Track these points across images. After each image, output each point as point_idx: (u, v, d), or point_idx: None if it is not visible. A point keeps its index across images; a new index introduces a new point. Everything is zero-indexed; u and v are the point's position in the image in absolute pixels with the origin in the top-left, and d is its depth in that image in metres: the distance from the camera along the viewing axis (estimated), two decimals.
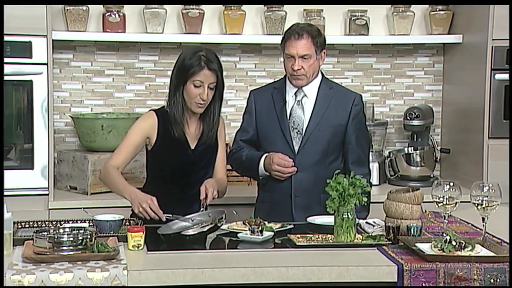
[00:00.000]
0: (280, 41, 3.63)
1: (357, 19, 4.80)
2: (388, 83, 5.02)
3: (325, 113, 3.61)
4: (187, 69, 3.39)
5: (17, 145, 4.19)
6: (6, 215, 2.89)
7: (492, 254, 2.87)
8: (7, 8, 3.92)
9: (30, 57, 4.08)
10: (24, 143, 4.16)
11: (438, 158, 4.88)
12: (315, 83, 3.64)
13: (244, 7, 4.68)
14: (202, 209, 3.36)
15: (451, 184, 3.04)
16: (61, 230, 2.87)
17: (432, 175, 4.85)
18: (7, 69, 4.01)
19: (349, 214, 3.04)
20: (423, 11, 4.93)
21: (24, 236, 3.04)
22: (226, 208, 3.37)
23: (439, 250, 2.85)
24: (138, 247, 2.95)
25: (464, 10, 4.76)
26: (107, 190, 3.60)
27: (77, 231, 2.87)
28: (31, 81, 4.10)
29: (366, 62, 4.99)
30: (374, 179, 4.61)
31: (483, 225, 3.01)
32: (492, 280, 2.75)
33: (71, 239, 2.79)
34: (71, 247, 2.77)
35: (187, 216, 3.25)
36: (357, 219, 3.13)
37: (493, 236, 3.15)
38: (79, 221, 3.25)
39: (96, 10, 4.60)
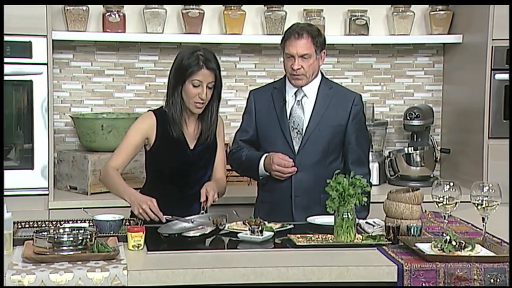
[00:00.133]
0: (280, 41, 3.63)
1: (357, 19, 4.80)
2: (388, 83, 5.02)
3: (325, 113, 3.61)
4: (185, 69, 3.38)
5: (17, 145, 4.18)
6: (6, 215, 2.89)
7: (492, 254, 2.86)
8: (7, 8, 3.92)
9: (30, 57, 4.08)
10: (24, 143, 4.16)
11: (438, 158, 4.88)
12: (315, 83, 3.64)
13: (244, 7, 4.68)
14: (202, 211, 3.35)
15: (451, 184, 3.04)
16: (61, 230, 2.86)
17: (432, 175, 4.85)
18: (7, 69, 4.01)
19: (349, 214, 3.04)
20: (423, 11, 4.93)
21: (24, 236, 3.04)
22: (226, 208, 3.37)
23: (439, 250, 2.84)
24: (138, 247, 2.95)
25: (464, 10, 4.75)
26: (107, 190, 3.59)
27: (77, 231, 2.86)
28: (31, 81, 4.10)
29: (366, 62, 4.98)
30: (374, 179, 4.61)
31: (483, 225, 3.01)
32: (492, 280, 2.75)
33: (71, 239, 2.79)
34: (71, 247, 2.77)
35: (187, 218, 3.24)
36: (357, 219, 3.13)
37: (493, 236, 3.15)
38: (79, 221, 3.25)
39: (96, 10, 4.59)
